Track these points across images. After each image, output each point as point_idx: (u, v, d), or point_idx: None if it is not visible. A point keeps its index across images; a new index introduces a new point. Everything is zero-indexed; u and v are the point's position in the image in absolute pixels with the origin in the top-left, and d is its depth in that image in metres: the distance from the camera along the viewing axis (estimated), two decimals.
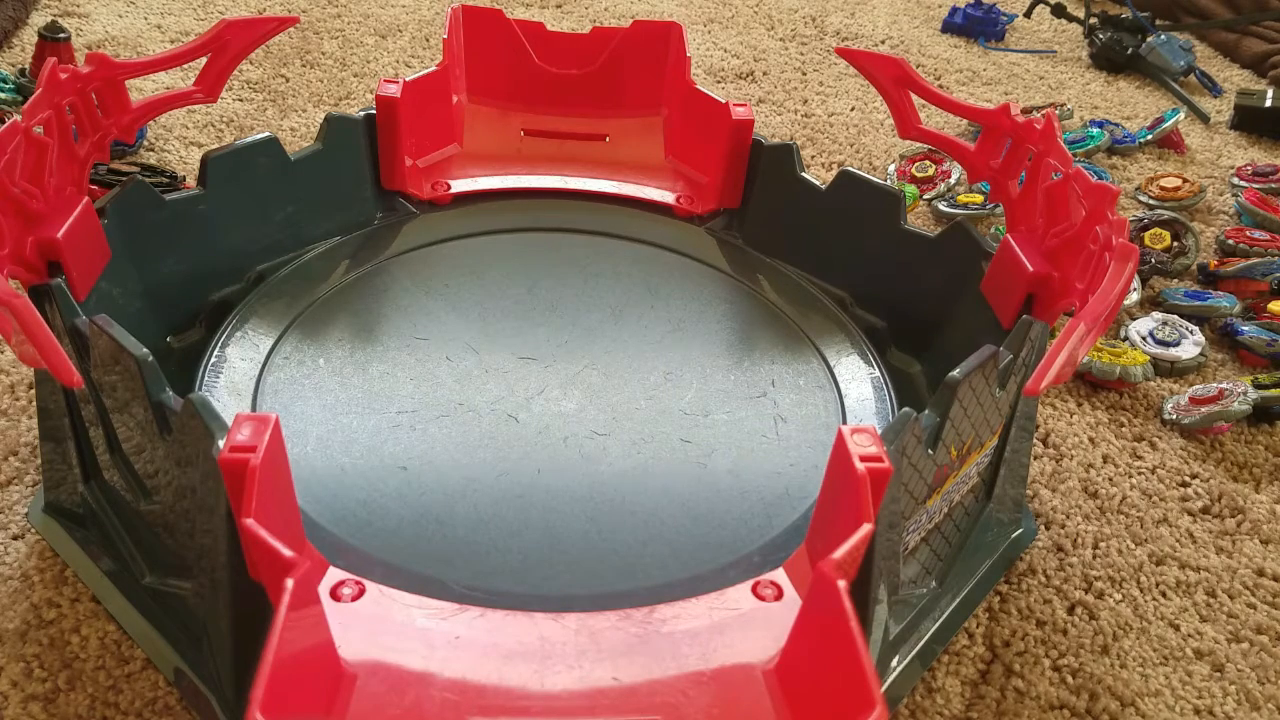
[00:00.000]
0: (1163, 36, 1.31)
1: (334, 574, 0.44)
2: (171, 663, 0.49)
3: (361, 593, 0.43)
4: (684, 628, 0.43)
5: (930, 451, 0.46)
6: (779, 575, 0.45)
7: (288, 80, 1.07)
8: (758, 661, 0.41)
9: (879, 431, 0.42)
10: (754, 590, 0.45)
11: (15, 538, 0.55)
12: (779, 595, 0.44)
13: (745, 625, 0.43)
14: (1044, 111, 1.07)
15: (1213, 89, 1.30)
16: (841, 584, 0.37)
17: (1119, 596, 0.58)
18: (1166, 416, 0.72)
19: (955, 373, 0.46)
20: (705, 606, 0.44)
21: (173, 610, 0.50)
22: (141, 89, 0.98)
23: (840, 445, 0.42)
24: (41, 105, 0.53)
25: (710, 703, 0.40)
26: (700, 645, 0.42)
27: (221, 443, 0.40)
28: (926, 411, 0.46)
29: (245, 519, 0.37)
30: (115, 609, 0.51)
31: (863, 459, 0.40)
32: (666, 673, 0.41)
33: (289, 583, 0.35)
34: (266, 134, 0.67)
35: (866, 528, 0.37)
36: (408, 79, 0.73)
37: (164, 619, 0.50)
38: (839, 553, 0.37)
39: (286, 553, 0.36)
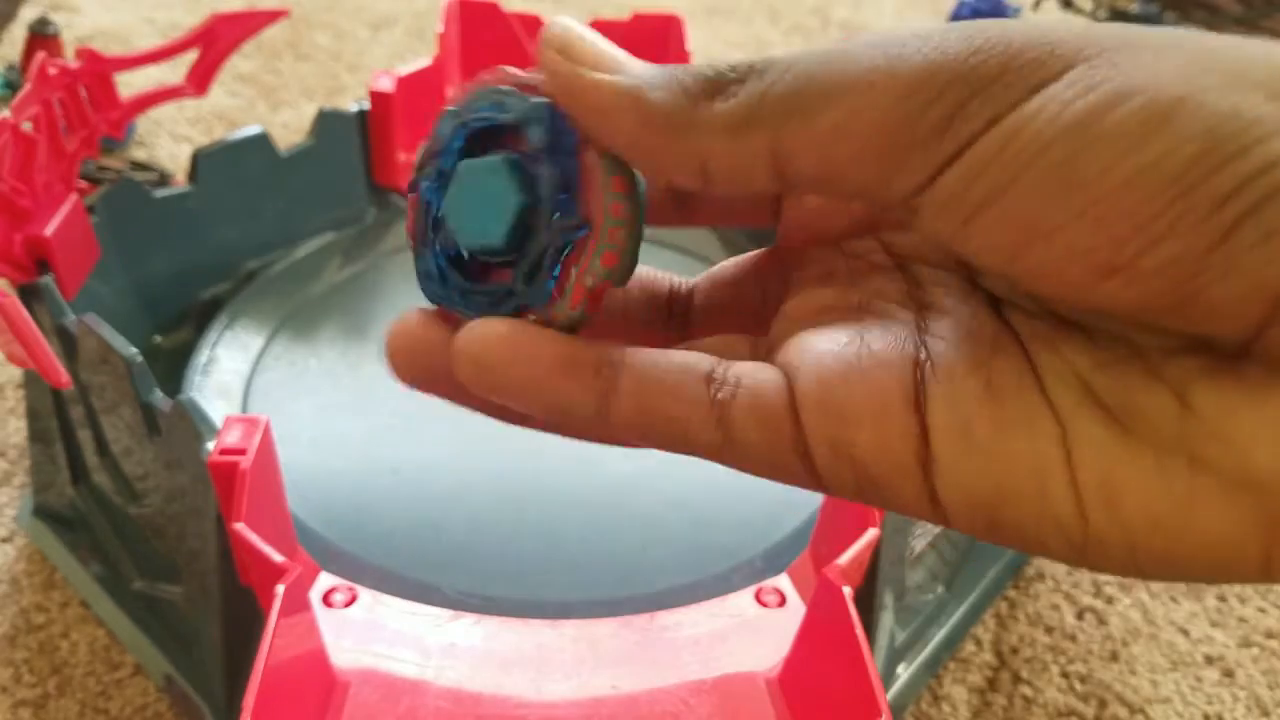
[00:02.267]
0: None
1: (325, 579, 0.43)
2: (162, 669, 0.48)
3: (354, 599, 0.43)
4: (685, 635, 0.42)
5: None
6: (783, 581, 0.45)
7: (279, 74, 1.06)
8: (761, 669, 0.40)
9: None
10: (757, 596, 0.44)
11: (4, 541, 0.54)
12: (782, 602, 0.44)
13: (748, 632, 0.42)
14: None
15: None
16: (846, 590, 0.36)
17: (1128, 601, 0.57)
18: None
19: None
20: (707, 613, 0.43)
21: (163, 615, 0.49)
22: (131, 83, 0.97)
23: None
24: (30, 101, 0.52)
25: (712, 712, 0.39)
26: (702, 653, 0.41)
27: (210, 445, 0.39)
28: None
29: (235, 523, 0.36)
30: (104, 614, 0.51)
31: None
32: (667, 681, 0.40)
33: (280, 589, 0.35)
34: (257, 129, 0.66)
35: (872, 533, 0.37)
36: (402, 73, 0.72)
37: (154, 624, 0.49)
38: (844, 559, 0.37)
39: (277, 558, 0.36)
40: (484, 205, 0.19)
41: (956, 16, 1.39)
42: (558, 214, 0.19)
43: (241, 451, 0.38)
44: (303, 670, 0.37)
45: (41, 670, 0.48)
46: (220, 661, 0.44)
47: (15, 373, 0.64)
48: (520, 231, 0.19)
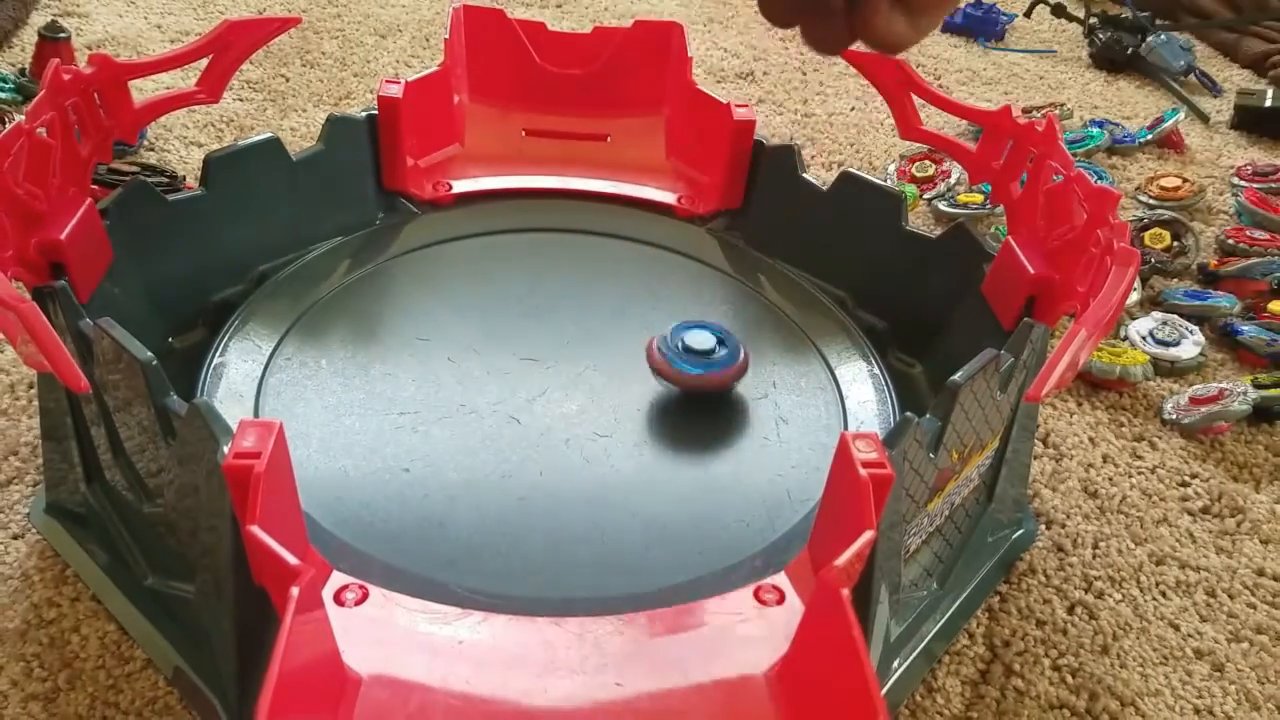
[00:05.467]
0: (1163, 36, 1.31)
1: (337, 578, 0.44)
2: (171, 662, 0.49)
3: (365, 597, 0.43)
4: (685, 632, 0.43)
5: (932, 455, 0.46)
6: (781, 580, 0.46)
7: (288, 80, 1.07)
8: (760, 667, 0.41)
9: (880, 436, 0.42)
10: (756, 595, 0.45)
11: (16, 537, 0.55)
12: (781, 600, 0.45)
13: (747, 630, 0.43)
14: (1045, 113, 1.06)
15: (1213, 88, 1.30)
16: (844, 591, 0.37)
17: (1119, 596, 0.58)
18: (1166, 416, 0.72)
19: (957, 377, 0.46)
20: (707, 611, 0.44)
21: (173, 611, 0.50)
22: (143, 89, 0.98)
23: (843, 450, 0.42)
24: (45, 106, 0.53)
25: (712, 708, 0.40)
26: (702, 650, 0.42)
27: (226, 449, 0.40)
28: (928, 416, 0.46)
29: (250, 526, 0.36)
30: (115, 608, 0.51)
31: (865, 465, 0.40)
32: (668, 677, 0.41)
33: (294, 590, 0.35)
34: (268, 134, 0.67)
35: (869, 534, 0.37)
36: (409, 79, 0.73)
37: (164, 619, 0.50)
38: (841, 560, 0.37)
39: (291, 560, 0.36)
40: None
41: (948, 23, 1.40)
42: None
43: (256, 456, 0.38)
44: (316, 669, 0.37)
45: (52, 664, 0.49)
46: (233, 656, 0.44)
47: (29, 372, 0.65)
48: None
